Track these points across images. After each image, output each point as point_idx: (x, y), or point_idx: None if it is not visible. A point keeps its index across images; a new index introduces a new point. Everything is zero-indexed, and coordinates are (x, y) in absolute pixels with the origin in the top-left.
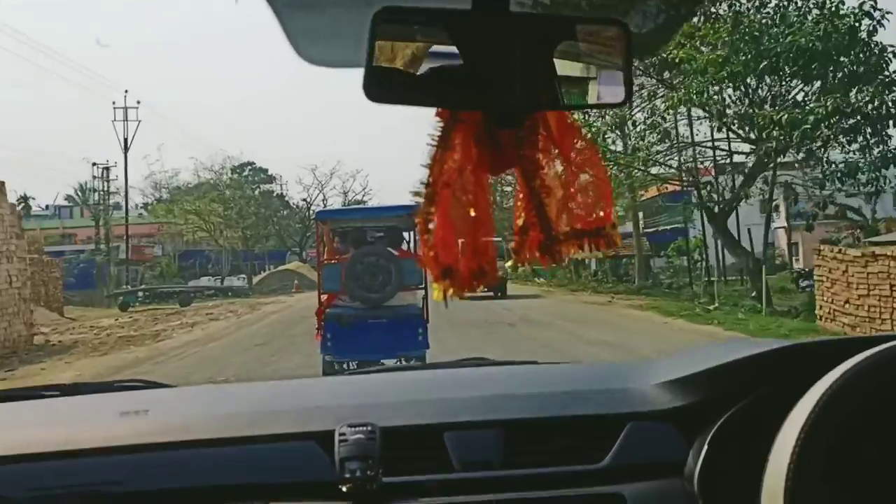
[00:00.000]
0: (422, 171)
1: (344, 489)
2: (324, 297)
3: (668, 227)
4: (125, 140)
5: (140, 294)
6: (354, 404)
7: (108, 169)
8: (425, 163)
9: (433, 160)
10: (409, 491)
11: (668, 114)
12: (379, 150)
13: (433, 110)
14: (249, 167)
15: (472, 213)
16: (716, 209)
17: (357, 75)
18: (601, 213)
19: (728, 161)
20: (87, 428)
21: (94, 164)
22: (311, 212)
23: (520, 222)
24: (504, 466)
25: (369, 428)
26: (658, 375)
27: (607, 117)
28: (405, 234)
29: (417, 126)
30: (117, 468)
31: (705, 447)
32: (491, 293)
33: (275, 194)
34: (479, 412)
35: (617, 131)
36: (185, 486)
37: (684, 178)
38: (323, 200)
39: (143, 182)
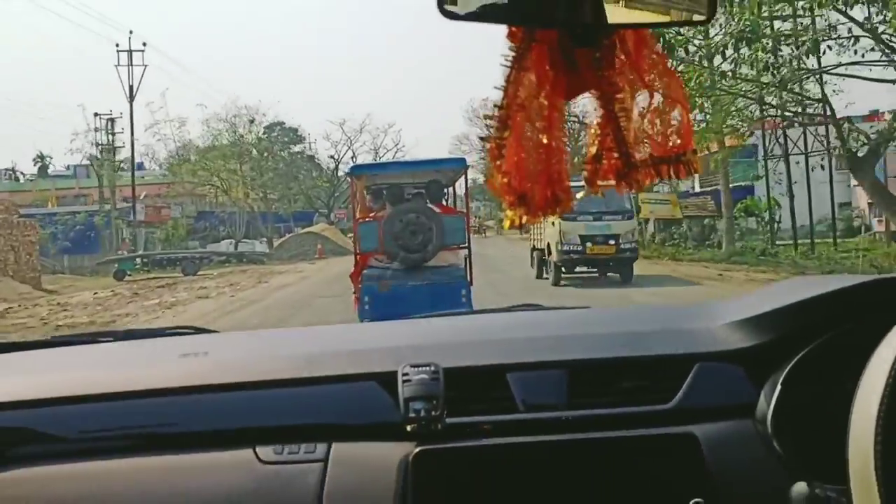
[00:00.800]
0: (456, 129)
1: (409, 429)
2: (361, 259)
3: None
4: (130, 88)
5: (138, 261)
6: (414, 345)
7: (112, 121)
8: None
9: (507, 81)
10: (474, 431)
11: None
12: (412, 104)
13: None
14: (279, 126)
15: (546, 139)
16: (859, 153)
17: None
18: (681, 139)
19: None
20: (147, 370)
21: (95, 114)
22: (339, 170)
23: (593, 149)
24: (569, 407)
25: (433, 368)
26: (726, 316)
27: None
28: (446, 190)
29: (453, 79)
30: (176, 410)
31: (779, 387)
32: (606, 270)
33: (304, 155)
34: (543, 353)
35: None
36: (245, 426)
37: (807, 112)
38: (353, 157)
39: (145, 134)
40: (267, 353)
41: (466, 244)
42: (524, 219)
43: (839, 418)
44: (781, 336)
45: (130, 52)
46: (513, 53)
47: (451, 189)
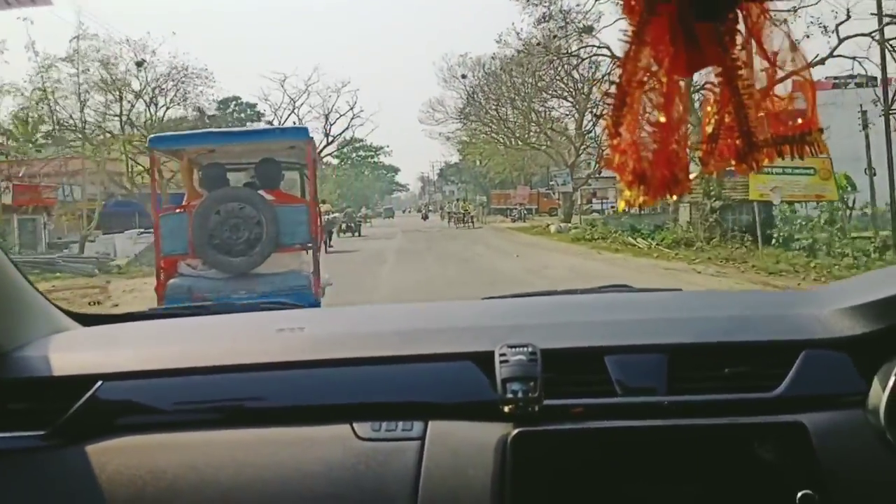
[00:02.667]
0: (428, 93)
1: (506, 409)
2: (165, 265)
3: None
4: None
5: None
6: (509, 325)
7: None
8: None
9: (626, 58)
10: (571, 414)
11: None
12: (373, 59)
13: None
14: (235, 102)
15: (664, 118)
16: None
17: None
18: (805, 118)
19: None
20: (247, 343)
21: None
22: None
23: (709, 129)
24: (669, 392)
25: (531, 349)
26: (835, 302)
27: None
28: (298, 172)
29: (424, 30)
30: (274, 384)
31: (893, 378)
32: None
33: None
34: (641, 336)
35: None
36: (342, 402)
37: None
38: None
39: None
40: (363, 329)
41: (314, 243)
42: (641, 199)
43: None
44: (894, 325)
45: None
46: (632, 28)
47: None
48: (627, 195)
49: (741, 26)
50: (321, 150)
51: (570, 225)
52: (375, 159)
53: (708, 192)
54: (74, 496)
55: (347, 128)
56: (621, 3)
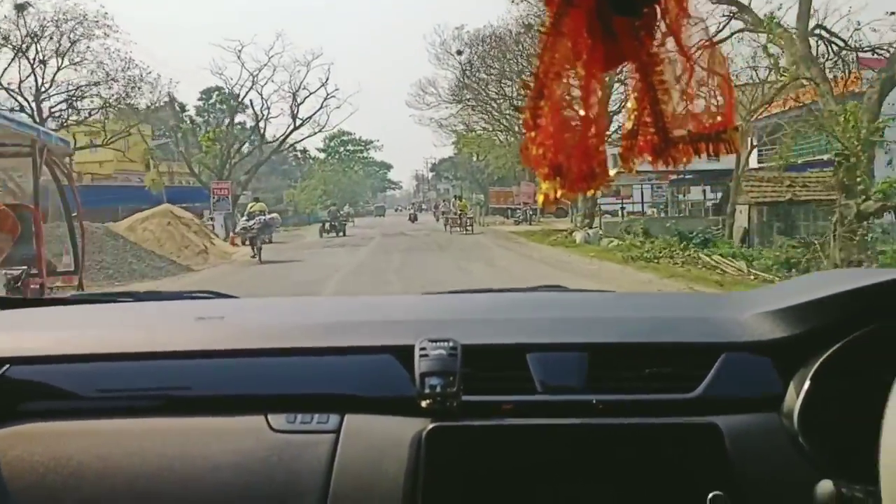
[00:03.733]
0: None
1: (423, 404)
2: None
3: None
4: None
5: None
6: (433, 320)
7: None
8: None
9: (543, 49)
10: (490, 410)
11: None
12: (352, 29)
13: None
14: (217, 92)
15: (583, 111)
16: None
17: None
18: (723, 116)
19: None
20: (164, 331)
21: None
22: (234, 124)
23: (629, 125)
24: (589, 391)
25: (451, 344)
26: (755, 306)
27: None
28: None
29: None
30: (190, 373)
31: (807, 382)
32: None
33: (248, 126)
34: (564, 334)
35: None
36: (258, 393)
37: None
38: (261, 104)
39: None
40: (284, 320)
41: (33, 260)
42: (559, 193)
43: (870, 417)
44: (812, 329)
45: None
46: (549, 18)
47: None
48: (545, 187)
49: (660, 22)
50: (287, 133)
51: (599, 231)
52: (365, 154)
53: (850, 187)
54: None
55: (320, 108)
56: None
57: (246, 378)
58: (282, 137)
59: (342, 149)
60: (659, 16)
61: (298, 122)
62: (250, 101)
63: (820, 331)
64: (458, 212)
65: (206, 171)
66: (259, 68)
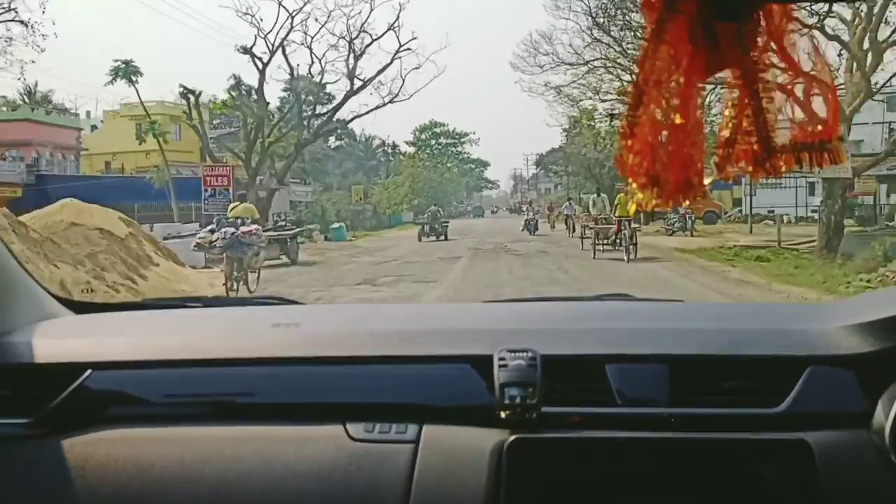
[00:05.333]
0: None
1: (503, 415)
2: None
3: None
4: None
5: None
6: (510, 329)
7: None
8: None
9: (644, 56)
10: (570, 422)
11: None
12: None
13: None
14: (301, 82)
15: (680, 120)
16: None
17: None
18: (826, 125)
19: None
20: (242, 337)
21: None
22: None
23: (726, 133)
24: (670, 404)
25: (530, 354)
26: (841, 318)
27: None
28: None
29: None
30: (268, 379)
31: None
32: None
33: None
34: (642, 345)
35: None
36: (336, 401)
37: None
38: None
39: None
40: (360, 327)
41: None
42: (654, 203)
43: None
44: None
45: None
46: (650, 25)
47: None
48: (640, 197)
49: (763, 28)
50: (341, 102)
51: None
52: (460, 149)
53: None
54: (58, 486)
55: (390, 63)
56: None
57: (324, 386)
58: (334, 108)
59: (434, 142)
60: (763, 21)
61: (358, 83)
62: (285, 55)
63: None
64: (613, 219)
65: (231, 156)
66: (300, 7)
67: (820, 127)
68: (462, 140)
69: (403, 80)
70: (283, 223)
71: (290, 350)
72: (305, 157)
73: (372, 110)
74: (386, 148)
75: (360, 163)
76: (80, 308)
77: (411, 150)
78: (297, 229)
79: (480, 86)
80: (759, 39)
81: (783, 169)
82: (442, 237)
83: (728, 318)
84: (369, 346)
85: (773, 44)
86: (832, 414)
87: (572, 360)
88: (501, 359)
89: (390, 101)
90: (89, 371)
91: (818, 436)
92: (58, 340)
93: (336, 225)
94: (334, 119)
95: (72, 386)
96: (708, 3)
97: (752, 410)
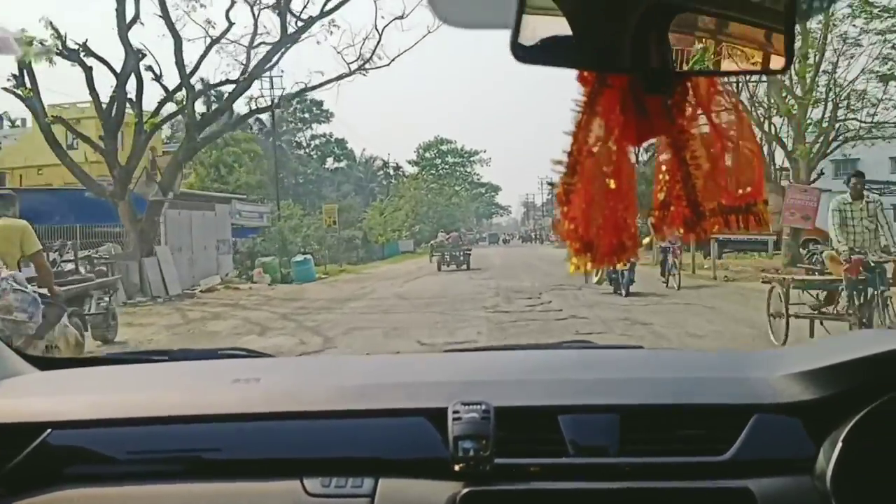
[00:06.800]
0: None
1: (457, 468)
2: None
3: None
4: None
5: None
6: (465, 381)
7: None
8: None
9: (577, 127)
10: (523, 473)
11: None
12: None
13: None
14: (297, 99)
15: (613, 185)
16: None
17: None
18: (752, 188)
19: None
20: (200, 394)
21: None
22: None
23: (661, 196)
24: (620, 454)
25: (483, 407)
26: (785, 366)
27: None
28: None
29: None
30: (227, 436)
31: (839, 445)
32: None
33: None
34: (595, 395)
35: None
36: (293, 457)
37: None
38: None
39: None
40: (318, 382)
41: None
42: (589, 266)
43: None
44: (845, 391)
45: None
46: (584, 98)
47: None
48: (575, 261)
49: (692, 99)
50: (273, 51)
51: None
52: (469, 170)
53: None
54: None
55: None
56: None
57: (281, 441)
58: (256, 67)
59: (440, 161)
60: (690, 92)
61: (295, 24)
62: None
63: (851, 393)
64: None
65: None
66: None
67: (747, 190)
68: (471, 159)
69: (380, 36)
70: (78, 261)
71: (249, 406)
72: (281, 174)
73: (331, 81)
74: (387, 169)
75: (360, 185)
76: (45, 364)
77: (414, 170)
78: (99, 280)
79: (489, 100)
80: (687, 109)
81: (713, 230)
82: (464, 266)
83: (681, 366)
84: (328, 401)
85: (700, 113)
86: (776, 461)
87: (526, 411)
88: (455, 412)
89: (360, 70)
90: (49, 430)
91: (763, 483)
92: (19, 399)
93: (299, 258)
94: (252, 87)
95: (31, 445)
96: (637, 78)
97: (699, 459)
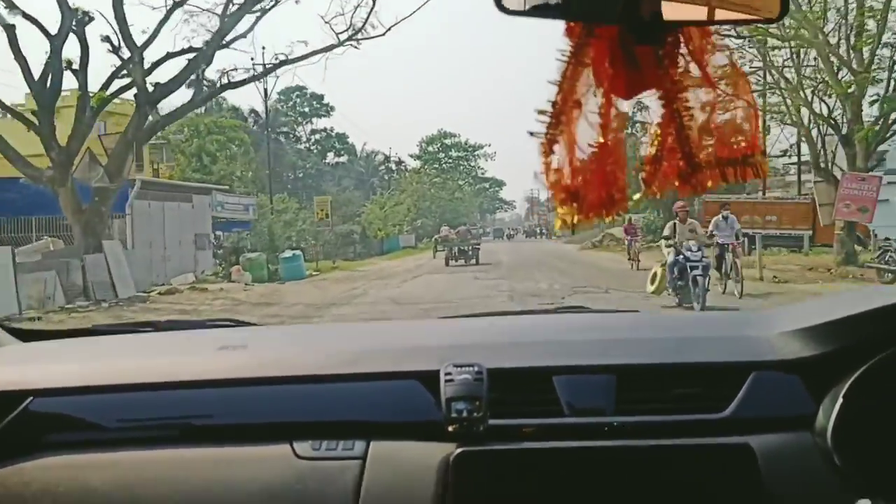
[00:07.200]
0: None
1: (450, 429)
2: None
3: None
4: None
5: None
6: (458, 345)
7: None
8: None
9: (562, 77)
10: (517, 434)
11: None
12: None
13: None
14: (297, 93)
15: (601, 137)
16: None
17: None
18: (748, 140)
19: None
20: (187, 361)
21: None
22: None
23: (653, 150)
24: (617, 413)
25: (476, 368)
26: (784, 324)
27: None
28: None
29: None
30: (213, 402)
31: (840, 400)
32: None
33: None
34: (590, 356)
35: None
36: (282, 421)
37: None
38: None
39: None
40: (307, 348)
41: None
42: (576, 219)
43: None
44: (844, 347)
45: None
46: (570, 48)
47: None
48: (561, 213)
49: (683, 49)
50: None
51: None
52: (473, 164)
53: None
54: None
55: None
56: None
57: (270, 406)
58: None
59: (443, 155)
60: (682, 43)
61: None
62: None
63: (850, 349)
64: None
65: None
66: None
67: (743, 142)
68: (475, 153)
69: (374, 1)
70: None
71: (236, 372)
72: (277, 167)
73: (317, 52)
74: (389, 164)
75: (361, 179)
76: (28, 336)
77: (416, 164)
78: None
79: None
80: (679, 60)
81: (709, 184)
82: (472, 261)
83: (677, 327)
84: (317, 366)
85: (693, 63)
86: (776, 417)
87: (519, 372)
88: (448, 374)
89: (350, 40)
90: (30, 398)
91: (762, 439)
92: (0, 368)
93: (288, 254)
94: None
95: (12, 414)
96: (627, 28)
97: (697, 416)
